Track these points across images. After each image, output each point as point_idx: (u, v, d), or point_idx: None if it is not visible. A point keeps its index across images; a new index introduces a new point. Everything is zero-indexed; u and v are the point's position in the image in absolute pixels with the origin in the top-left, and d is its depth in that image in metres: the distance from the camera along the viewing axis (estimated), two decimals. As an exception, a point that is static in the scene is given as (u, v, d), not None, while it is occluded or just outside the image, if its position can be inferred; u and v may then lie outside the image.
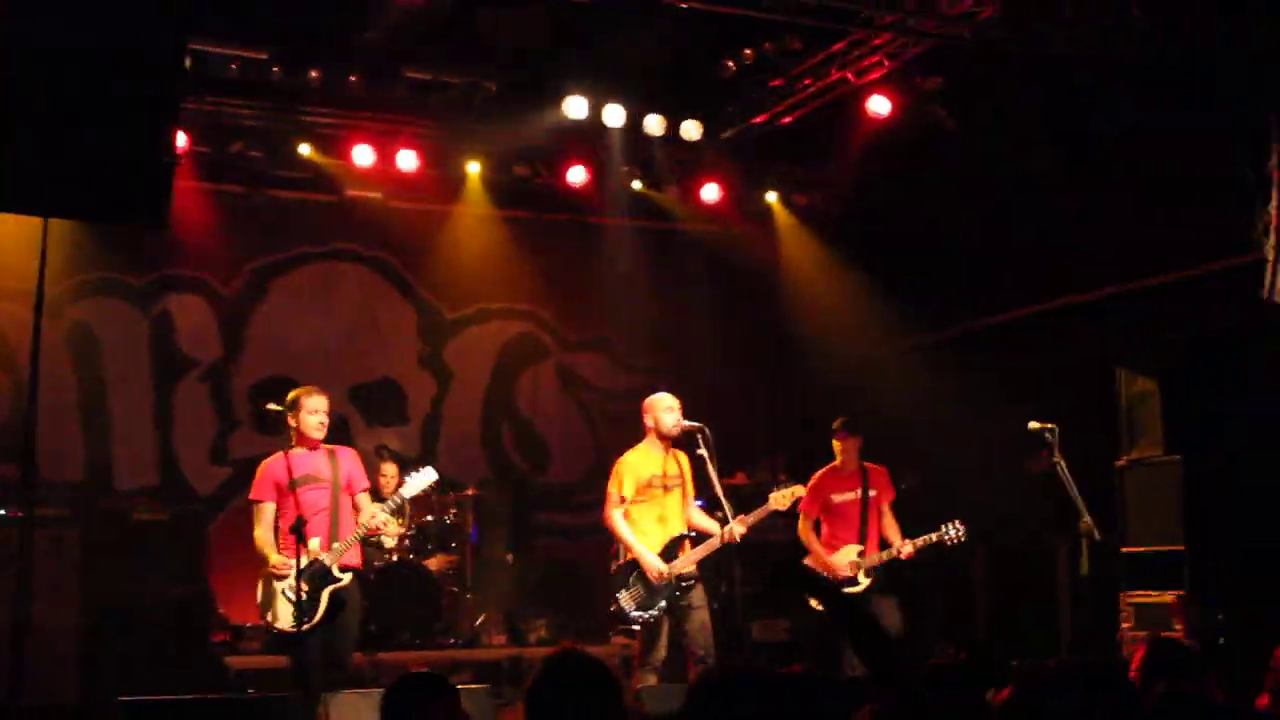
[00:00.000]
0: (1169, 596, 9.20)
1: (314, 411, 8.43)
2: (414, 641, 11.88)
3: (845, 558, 9.83)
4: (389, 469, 12.04)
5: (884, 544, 9.89)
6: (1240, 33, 9.13)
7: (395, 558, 11.69)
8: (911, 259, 12.70)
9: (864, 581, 9.75)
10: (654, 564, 8.79)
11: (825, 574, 9.69)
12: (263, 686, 11.03)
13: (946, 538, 9.60)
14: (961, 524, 9.57)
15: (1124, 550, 9.67)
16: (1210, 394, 9.68)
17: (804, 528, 10.06)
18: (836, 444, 10.11)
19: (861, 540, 9.87)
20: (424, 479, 8.70)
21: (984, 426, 11.65)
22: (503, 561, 13.11)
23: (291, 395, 8.53)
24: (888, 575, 9.88)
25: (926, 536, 9.67)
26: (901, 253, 12.86)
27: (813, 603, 9.51)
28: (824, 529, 10.04)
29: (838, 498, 10.01)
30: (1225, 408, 9.67)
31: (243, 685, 11.14)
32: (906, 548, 9.70)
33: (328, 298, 13.85)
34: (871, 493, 9.99)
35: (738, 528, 8.72)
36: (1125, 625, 9.53)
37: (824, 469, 10.18)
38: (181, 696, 7.94)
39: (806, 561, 9.95)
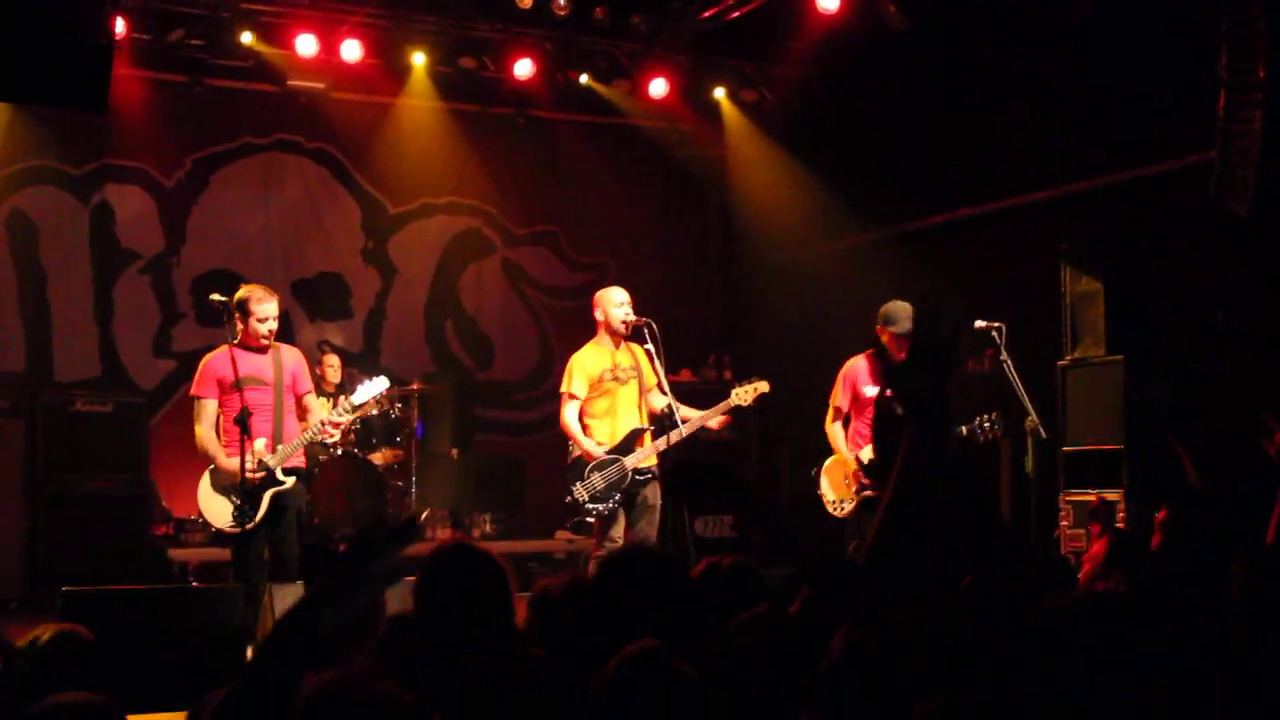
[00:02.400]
0: (1109, 495, 9.30)
1: (264, 319, 8.31)
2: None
3: (866, 456, 9.03)
4: (333, 359, 12.01)
5: None
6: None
7: (340, 451, 11.67)
8: (859, 157, 12.68)
9: None
10: (598, 453, 8.85)
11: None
12: (205, 578, 11.10)
13: (979, 433, 8.83)
14: (997, 414, 8.81)
15: (1064, 449, 9.75)
16: (1153, 295, 9.75)
17: (829, 425, 9.32)
18: (885, 335, 9.13)
19: None
20: (374, 388, 8.71)
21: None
22: (447, 457, 13.12)
23: (240, 295, 8.40)
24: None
25: (958, 430, 8.78)
26: (849, 150, 12.84)
27: None
28: (852, 424, 9.25)
29: (872, 390, 9.08)
30: (1169, 308, 9.75)
31: (185, 577, 11.18)
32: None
33: (270, 190, 13.69)
34: None
35: (716, 419, 8.85)
36: (1064, 523, 9.64)
37: (861, 355, 9.33)
38: (123, 586, 7.95)
39: (828, 463, 9.35)
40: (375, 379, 8.77)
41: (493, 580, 3.84)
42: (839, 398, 9.28)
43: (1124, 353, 9.44)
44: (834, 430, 9.29)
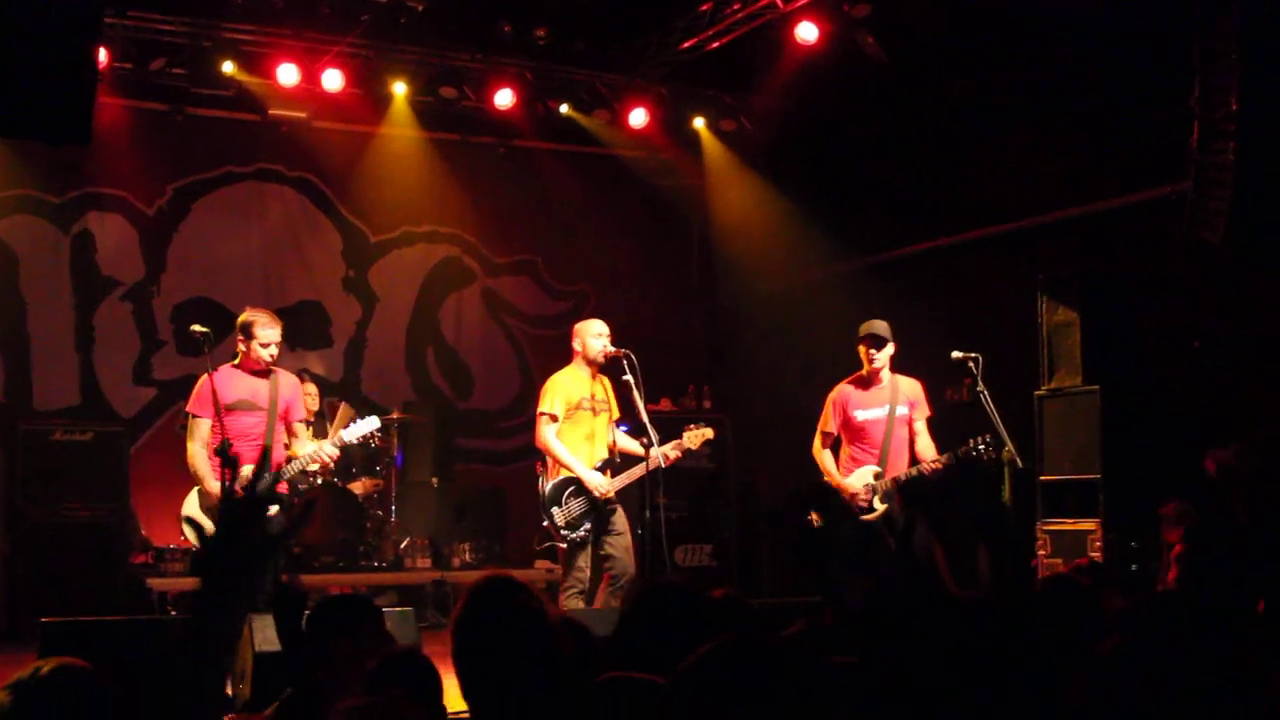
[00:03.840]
0: (1085, 525, 9.35)
1: (266, 344, 8.45)
2: (338, 564, 11.91)
3: (860, 481, 9.11)
4: (310, 388, 12.00)
5: (914, 463, 9.07)
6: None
7: (320, 481, 11.66)
8: (837, 187, 12.78)
9: (879, 508, 9.04)
10: (596, 480, 8.83)
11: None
12: (185, 608, 11.05)
13: (974, 454, 8.80)
14: (989, 435, 8.78)
15: (1041, 479, 9.81)
16: (1130, 325, 9.83)
17: (817, 449, 9.39)
18: (862, 350, 9.25)
19: (882, 462, 9.07)
20: (366, 426, 8.77)
21: (907, 355, 11.75)
22: (427, 486, 13.10)
23: (245, 318, 8.53)
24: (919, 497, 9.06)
25: (951, 452, 8.93)
26: (827, 180, 12.93)
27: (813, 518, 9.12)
28: (844, 449, 9.29)
29: (863, 415, 9.20)
30: (1144, 339, 9.83)
31: (164, 606, 11.15)
32: (927, 464, 8.96)
33: (251, 219, 13.70)
34: (900, 410, 9.13)
35: (671, 452, 8.85)
36: (1041, 553, 9.69)
37: (846, 381, 9.41)
38: (103, 617, 7.94)
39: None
40: (367, 418, 8.84)
41: (531, 615, 3.86)
42: (828, 423, 9.35)
43: (1101, 383, 9.51)
44: (823, 456, 9.36)
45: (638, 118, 13.40)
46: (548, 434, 8.96)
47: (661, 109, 13.53)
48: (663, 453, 8.84)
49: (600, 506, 8.84)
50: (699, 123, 13.84)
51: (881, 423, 9.12)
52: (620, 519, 8.95)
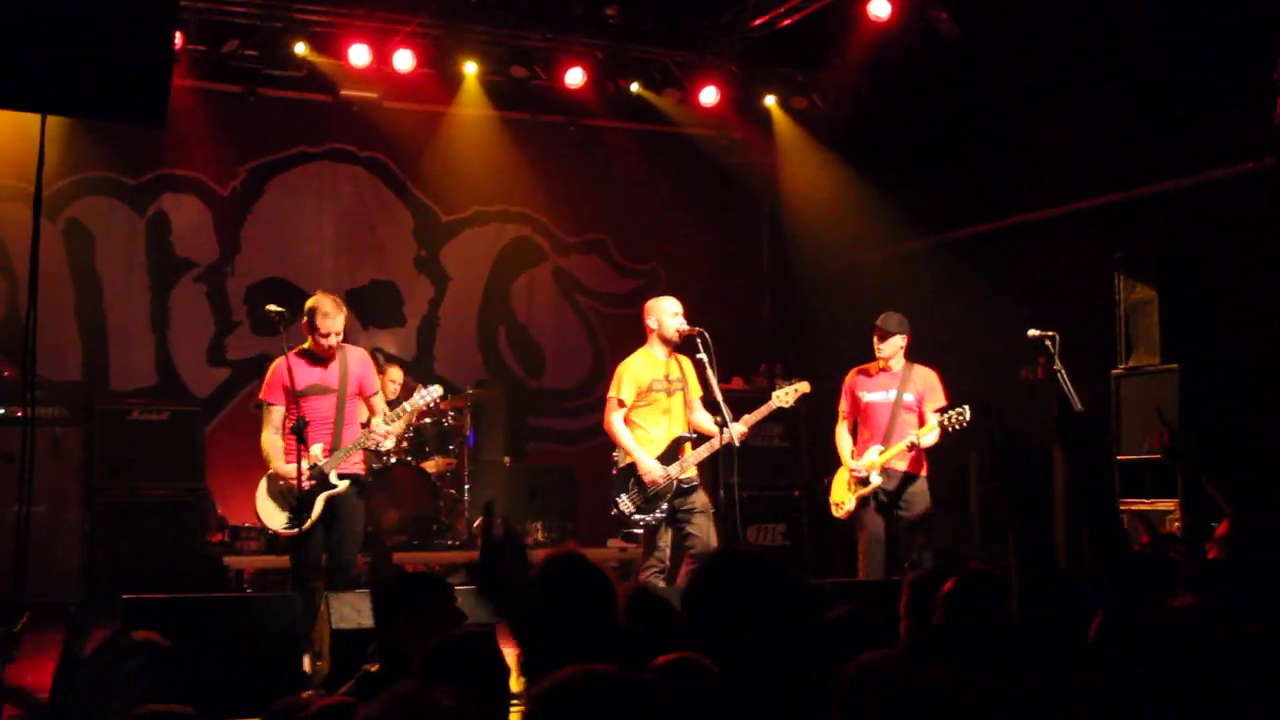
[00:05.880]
0: (1163, 504, 9.24)
1: (327, 334, 8.47)
2: (411, 543, 11.95)
3: (866, 460, 9.66)
4: (395, 374, 12.03)
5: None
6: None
7: (394, 460, 11.72)
8: (911, 163, 12.66)
9: (875, 481, 9.58)
10: (652, 468, 8.82)
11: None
12: (259, 586, 11.15)
13: (947, 422, 9.36)
14: (965, 407, 9.33)
15: (1119, 458, 9.69)
16: (1209, 303, 9.69)
17: (839, 431, 9.97)
18: (875, 341, 9.83)
19: (885, 442, 9.65)
20: (429, 394, 8.77)
21: (982, 333, 11.67)
22: (499, 464, 13.14)
23: (310, 303, 8.59)
24: (916, 482, 9.67)
25: (929, 426, 9.49)
26: (901, 157, 12.82)
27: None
28: (858, 431, 9.86)
29: (868, 397, 9.81)
30: (1223, 316, 9.69)
31: (240, 584, 11.25)
32: (910, 438, 9.48)
33: (324, 199, 13.80)
34: (908, 396, 9.68)
35: (739, 427, 8.78)
36: (1119, 532, 9.56)
37: (858, 368, 10.02)
38: (181, 595, 8.01)
39: (838, 473, 9.95)
40: (430, 387, 8.83)
41: (601, 593, 3.86)
42: (842, 406, 9.95)
43: (1180, 361, 9.39)
44: (841, 438, 9.92)
45: (708, 96, 13.34)
46: (614, 419, 8.98)
47: (732, 87, 13.45)
48: (737, 425, 8.76)
49: (674, 487, 8.81)
50: (770, 100, 13.76)
51: (887, 406, 9.66)
52: (700, 498, 8.92)
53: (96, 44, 5.35)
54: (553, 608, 3.81)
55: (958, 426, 9.38)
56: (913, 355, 9.83)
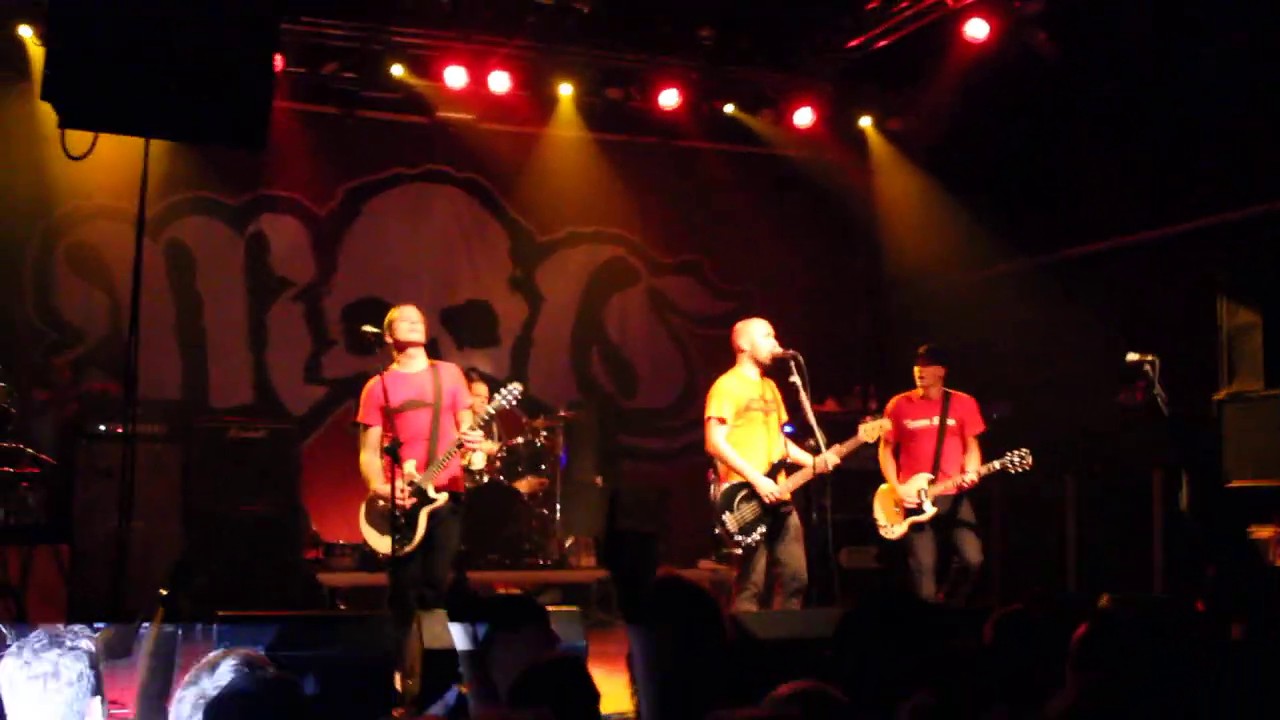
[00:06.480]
0: (1268, 531, 9.07)
1: (403, 318, 8.52)
2: (503, 562, 11.99)
3: (914, 486, 9.86)
4: (480, 389, 12.08)
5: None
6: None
7: (486, 479, 11.77)
8: (1006, 186, 12.54)
9: (929, 510, 9.76)
10: (766, 486, 8.72)
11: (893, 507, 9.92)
12: (355, 603, 11.23)
13: (1010, 465, 9.56)
14: (1027, 451, 9.50)
15: (1226, 486, 9.52)
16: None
17: (883, 454, 10.11)
18: (916, 370, 10.12)
19: (934, 469, 9.86)
20: (509, 393, 8.58)
21: (1079, 356, 11.52)
22: (592, 484, 13.15)
23: (389, 316, 8.64)
24: (963, 506, 9.90)
25: (990, 465, 9.68)
26: (996, 179, 12.70)
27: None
28: (901, 456, 10.05)
29: (912, 424, 10.02)
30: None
31: (334, 601, 11.33)
32: (970, 475, 9.74)
33: (420, 219, 13.90)
34: (950, 421, 9.95)
35: (831, 457, 8.71)
36: (1222, 560, 9.41)
37: (901, 395, 10.26)
38: (276, 611, 8.07)
39: (880, 490, 10.12)
40: (509, 386, 8.68)
41: (708, 613, 3.86)
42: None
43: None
44: (885, 459, 10.06)
45: (803, 117, 13.31)
46: (717, 438, 8.85)
47: (828, 108, 13.42)
48: (829, 454, 8.72)
49: (774, 510, 8.74)
50: (865, 121, 13.71)
51: (931, 432, 9.91)
52: (794, 522, 8.83)
53: (199, 69, 5.44)
54: (662, 628, 3.81)
55: (1021, 470, 9.56)
56: (1005, 378, 9.85)
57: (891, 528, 9.96)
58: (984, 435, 10.04)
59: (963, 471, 9.80)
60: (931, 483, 9.80)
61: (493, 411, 8.69)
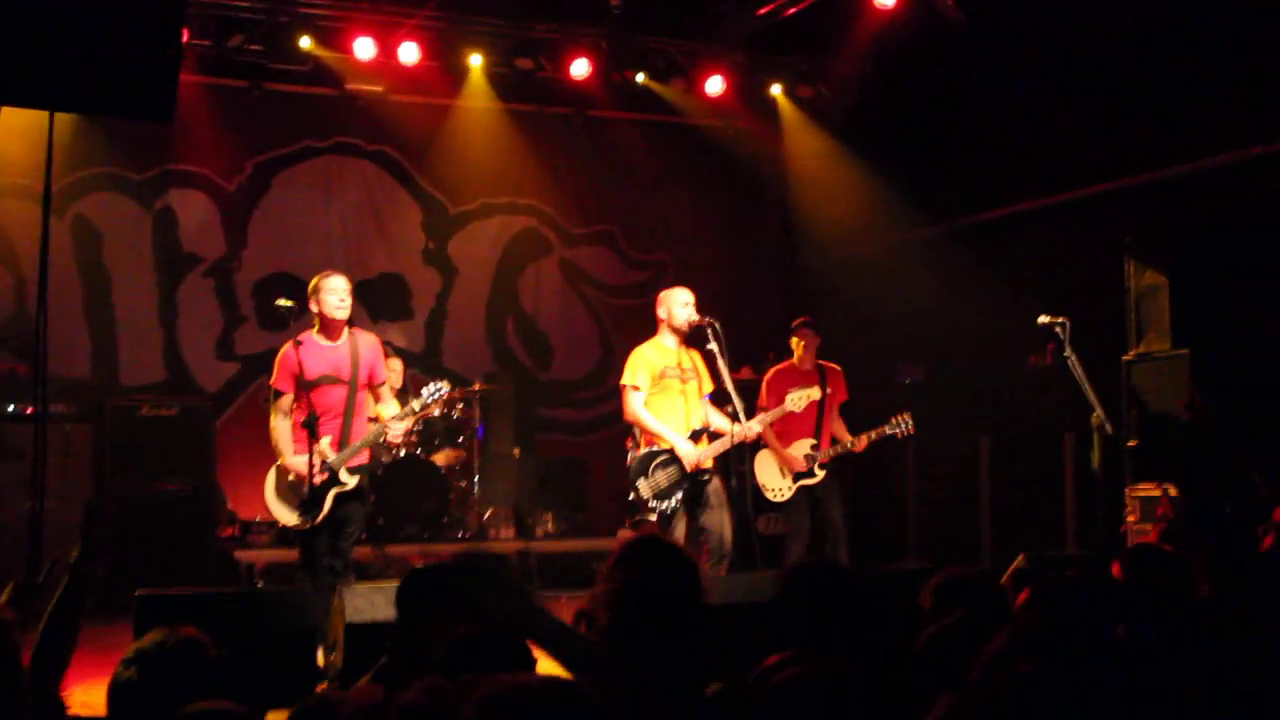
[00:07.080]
0: (1173, 490, 9.21)
1: (332, 291, 8.34)
2: (422, 535, 11.96)
3: (799, 451, 10.15)
4: (395, 364, 12.01)
5: (835, 441, 10.26)
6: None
7: (403, 453, 11.73)
8: (916, 152, 12.63)
9: (819, 474, 10.11)
10: (687, 450, 8.72)
11: (781, 466, 10.19)
12: (272, 580, 11.16)
13: (896, 431, 10.02)
14: (909, 417, 9.96)
15: (1130, 444, 9.67)
16: (1219, 287, 9.65)
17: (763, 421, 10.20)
18: (795, 341, 10.44)
19: (815, 436, 10.19)
20: (435, 391, 8.55)
21: (990, 320, 11.65)
22: (509, 456, 13.13)
23: (313, 282, 8.45)
24: (835, 469, 10.32)
25: (879, 429, 10.07)
26: (906, 146, 12.79)
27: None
28: (779, 423, 10.08)
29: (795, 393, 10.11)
30: (1234, 302, 9.64)
31: (252, 578, 11.26)
32: (860, 441, 10.11)
33: (331, 193, 13.80)
34: (828, 391, 10.21)
35: (754, 426, 8.77)
36: (1130, 519, 9.57)
37: (781, 365, 10.57)
38: (195, 589, 8.01)
39: (760, 454, 10.28)
40: (437, 382, 8.68)
41: (685, 573, 3.84)
42: (764, 399, 10.29)
43: (1190, 347, 9.36)
44: (765, 425, 9.91)
45: (714, 85, 13.33)
46: (635, 404, 8.81)
47: (738, 76, 13.44)
48: (752, 422, 8.81)
49: (692, 477, 8.73)
50: (776, 89, 13.76)
51: (813, 403, 10.05)
52: (716, 490, 8.81)
53: (104, 41, 5.37)
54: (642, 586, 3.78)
55: (906, 434, 10.11)
56: (919, 342, 10.00)
57: (781, 491, 10.17)
58: (845, 405, 10.44)
59: (839, 440, 10.23)
60: (815, 448, 10.15)
61: (417, 410, 8.62)
